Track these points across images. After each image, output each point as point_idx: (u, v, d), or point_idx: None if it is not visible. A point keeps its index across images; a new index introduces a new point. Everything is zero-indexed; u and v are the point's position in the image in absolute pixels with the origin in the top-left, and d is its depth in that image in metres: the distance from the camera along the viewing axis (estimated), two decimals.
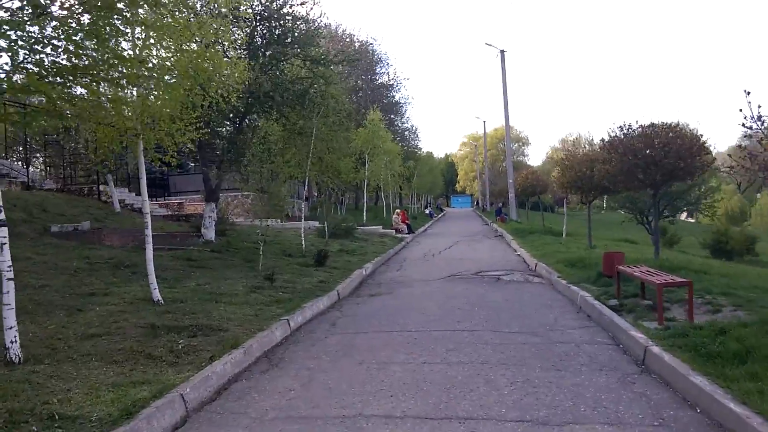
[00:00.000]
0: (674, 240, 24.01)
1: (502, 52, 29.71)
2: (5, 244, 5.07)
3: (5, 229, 5.09)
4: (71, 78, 5.46)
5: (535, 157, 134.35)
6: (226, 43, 11.45)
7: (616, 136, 10.78)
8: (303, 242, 14.88)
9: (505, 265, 13.93)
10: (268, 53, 13.95)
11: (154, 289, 8.06)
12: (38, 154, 21.58)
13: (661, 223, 25.59)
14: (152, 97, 8.00)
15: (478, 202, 79.61)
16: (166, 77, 8.72)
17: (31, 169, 20.36)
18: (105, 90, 6.87)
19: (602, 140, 10.97)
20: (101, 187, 19.45)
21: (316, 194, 44.84)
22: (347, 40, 46.13)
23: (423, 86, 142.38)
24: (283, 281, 10.47)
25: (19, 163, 20.03)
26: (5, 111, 5.88)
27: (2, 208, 5.05)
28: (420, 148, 59.72)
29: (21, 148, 20.59)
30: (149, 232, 8.32)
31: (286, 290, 9.62)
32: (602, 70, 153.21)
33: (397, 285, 11.54)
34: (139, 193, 23.27)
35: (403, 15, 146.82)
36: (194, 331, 6.51)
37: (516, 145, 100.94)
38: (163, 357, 5.58)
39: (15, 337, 5.13)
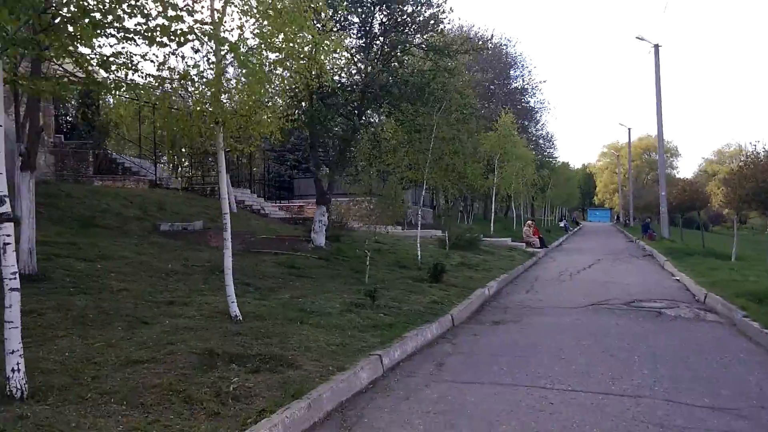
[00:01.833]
0: None
1: (656, 46, 26.16)
2: (9, 244, 3.90)
3: (10, 225, 3.92)
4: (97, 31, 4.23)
5: (685, 170, 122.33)
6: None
7: None
8: (419, 253, 13.24)
9: (663, 294, 11.30)
10: (386, 41, 12.53)
11: (232, 302, 6.80)
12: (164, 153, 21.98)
13: None
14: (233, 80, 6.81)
15: (618, 217, 73.51)
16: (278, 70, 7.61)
17: (161, 167, 20.70)
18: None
19: None
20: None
21: (442, 202, 43.23)
22: (479, 42, 44.11)
23: (560, 90, 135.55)
24: (389, 299, 8.88)
25: (150, 161, 20.41)
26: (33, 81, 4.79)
27: (6, 199, 3.88)
28: (556, 157, 56.01)
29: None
30: (228, 234, 7.09)
31: (389, 311, 8.01)
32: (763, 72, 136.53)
33: (526, 312, 9.51)
34: (261, 195, 23.18)
35: (540, 10, 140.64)
36: (259, 363, 5.08)
37: (659, 159, 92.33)
38: (204, 403, 4.16)
39: (18, 364, 3.96)
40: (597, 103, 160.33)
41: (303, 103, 12.27)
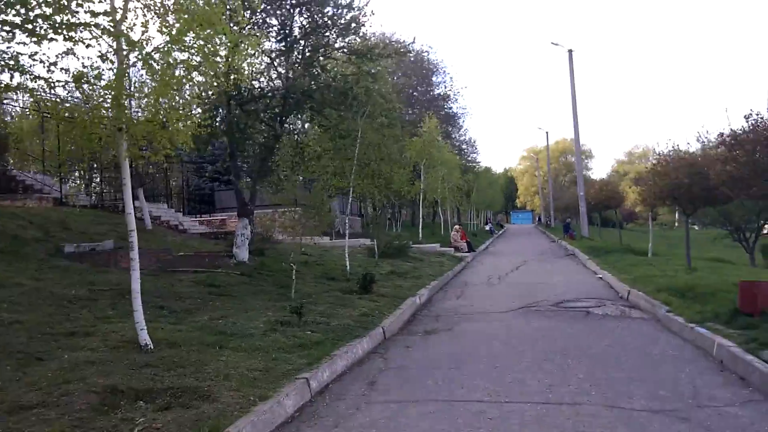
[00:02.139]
0: None
1: (570, 51, 27.15)
2: None
3: None
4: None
5: (599, 170, 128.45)
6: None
7: (740, 129, 8.26)
8: (348, 263, 12.86)
9: (589, 293, 11.46)
10: (307, 45, 12.13)
11: (142, 329, 6.16)
12: (74, 168, 20.54)
13: (763, 240, 22.30)
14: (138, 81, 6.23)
15: (540, 218, 76.01)
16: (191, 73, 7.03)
17: (67, 184, 19.30)
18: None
19: (721, 134, 8.48)
20: (136, 203, 18.10)
21: (370, 210, 43.10)
22: (401, 47, 44.36)
23: (481, 96, 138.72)
24: (317, 314, 8.45)
25: (54, 177, 18.97)
26: None
27: None
28: (479, 162, 57.20)
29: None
30: (135, 254, 6.45)
31: (317, 327, 7.58)
32: (670, 78, 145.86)
33: (458, 318, 9.33)
34: (180, 209, 22.10)
35: (459, 19, 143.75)
36: (170, 399, 4.54)
37: (576, 160, 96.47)
38: None
39: None
40: (516, 108, 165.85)
41: (220, 110, 11.63)
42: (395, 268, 14.82)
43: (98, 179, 19.57)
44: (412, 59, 45.49)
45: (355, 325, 7.93)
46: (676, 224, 75.05)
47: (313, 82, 12.37)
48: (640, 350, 6.48)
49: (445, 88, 47.43)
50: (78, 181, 19.90)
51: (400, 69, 44.23)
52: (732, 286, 9.31)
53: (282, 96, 12.41)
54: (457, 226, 25.41)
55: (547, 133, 59.42)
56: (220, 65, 6.98)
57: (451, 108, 49.62)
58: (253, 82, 12.30)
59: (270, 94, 12.02)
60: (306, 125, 12.84)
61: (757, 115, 8.05)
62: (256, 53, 9.11)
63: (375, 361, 6.62)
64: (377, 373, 5.99)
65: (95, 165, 19.54)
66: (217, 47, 6.61)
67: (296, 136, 10.77)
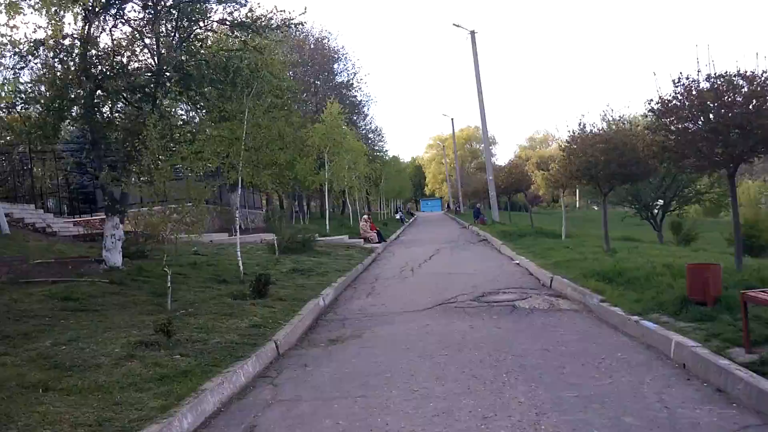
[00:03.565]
0: (691, 236, 21.05)
1: (473, 32, 26.58)
2: None
3: None
4: None
5: (503, 156, 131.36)
6: None
7: (669, 95, 7.47)
8: (240, 263, 11.23)
9: (509, 282, 10.53)
10: (181, 15, 10.33)
11: None
12: None
13: (672, 218, 22.70)
14: None
15: (449, 205, 76.63)
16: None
17: None
18: None
19: (649, 101, 7.66)
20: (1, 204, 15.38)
21: (277, 202, 41.03)
22: (301, 36, 42.47)
23: (385, 83, 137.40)
24: (194, 329, 6.86)
25: None
26: None
27: None
28: (386, 151, 56.36)
29: None
30: None
31: (190, 348, 6.01)
32: (568, 63, 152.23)
33: (367, 321, 8.04)
34: (56, 210, 19.37)
35: (359, 1, 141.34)
36: None
37: (482, 145, 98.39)
38: None
39: None
40: (422, 95, 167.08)
41: (71, 91, 9.63)
42: (298, 264, 13.32)
43: None
44: (311, 45, 43.89)
45: (240, 341, 6.42)
46: (577, 206, 78.28)
47: (187, 57, 10.60)
48: (582, 354, 5.43)
49: (348, 75, 46.04)
50: None
51: (300, 57, 42.41)
52: (664, 269, 8.65)
53: (154, 73, 10.56)
54: (365, 216, 24.20)
55: (452, 119, 59.55)
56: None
57: (355, 96, 48.35)
58: (116, 57, 10.33)
59: (135, 70, 10.11)
60: (179, 105, 11.02)
61: (687, 78, 7.29)
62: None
63: (261, 390, 5.16)
64: (261, 411, 4.54)
65: None
66: None
67: (168, 118, 8.94)
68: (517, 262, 13.47)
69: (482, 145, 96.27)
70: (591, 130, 12.68)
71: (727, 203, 23.05)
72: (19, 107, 10.38)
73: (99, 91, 10.16)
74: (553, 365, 5.11)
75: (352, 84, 46.97)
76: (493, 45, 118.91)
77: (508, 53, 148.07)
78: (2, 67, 10.14)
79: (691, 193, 21.66)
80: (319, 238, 19.12)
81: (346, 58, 47.93)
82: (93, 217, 20.76)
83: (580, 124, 12.85)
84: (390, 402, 4.43)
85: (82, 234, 16.30)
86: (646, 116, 7.75)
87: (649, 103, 7.74)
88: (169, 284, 8.27)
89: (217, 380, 4.93)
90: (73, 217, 19.89)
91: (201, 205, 8.37)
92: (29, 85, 10.08)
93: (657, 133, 7.79)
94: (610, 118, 15.06)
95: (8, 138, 13.92)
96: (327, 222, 24.13)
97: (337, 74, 45.83)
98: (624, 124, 12.48)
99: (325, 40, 44.47)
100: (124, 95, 10.41)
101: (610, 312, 6.81)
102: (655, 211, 22.28)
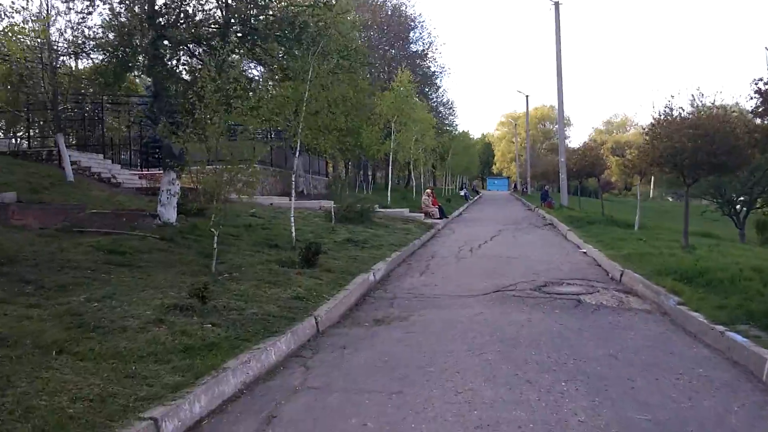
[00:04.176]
0: None
1: (557, 3, 25.03)
2: None
3: None
4: None
5: (577, 139, 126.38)
6: None
7: None
8: (293, 229, 10.89)
9: (573, 272, 9.73)
10: None
11: None
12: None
13: (757, 216, 20.90)
14: None
15: (516, 185, 74.63)
16: None
17: None
18: None
19: (755, 81, 6.65)
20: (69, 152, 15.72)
21: (341, 170, 40.88)
22: (378, 2, 41.62)
23: (459, 55, 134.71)
24: (233, 295, 6.54)
25: None
26: None
27: None
28: (456, 125, 55.09)
29: None
30: None
31: (224, 317, 5.67)
32: (654, 44, 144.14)
33: (417, 303, 7.51)
34: (116, 161, 19.76)
35: None
36: None
37: (556, 126, 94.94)
38: None
39: None
40: (496, 69, 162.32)
41: (135, 39, 9.42)
42: (353, 235, 12.92)
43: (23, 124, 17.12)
44: (389, 12, 42.96)
45: (278, 313, 6.04)
46: (651, 195, 74.44)
47: (257, 12, 10.19)
48: (656, 365, 4.70)
49: (423, 44, 44.89)
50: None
51: (376, 23, 41.64)
52: (752, 272, 7.67)
53: (220, 26, 10.22)
54: (428, 190, 23.52)
55: (527, 96, 57.66)
56: None
57: (428, 67, 47.22)
58: (182, 6, 10.03)
59: (200, 21, 9.78)
60: (242, 61, 10.64)
61: None
62: None
63: (291, 372, 4.74)
64: (284, 399, 4.10)
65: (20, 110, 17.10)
66: None
67: (226, 71, 8.56)
68: (584, 251, 12.56)
69: (556, 126, 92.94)
70: (679, 114, 11.47)
71: None
72: (86, 54, 10.32)
73: (164, 41, 9.94)
74: (622, 376, 4.42)
75: (427, 54, 45.87)
76: (575, 19, 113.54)
77: (589, 29, 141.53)
78: (72, 12, 10.09)
79: None
80: (378, 210, 18.69)
81: (422, 26, 46.88)
82: (159, 171, 21.09)
83: (667, 107, 11.65)
84: (428, 404, 3.89)
85: (145, 187, 16.49)
86: (751, 98, 6.71)
87: (755, 84, 6.74)
88: (215, 246, 7.99)
89: (243, 357, 4.54)
90: (141, 170, 20.24)
91: (253, 166, 7.97)
92: (97, 31, 9.99)
93: (764, 118, 6.77)
94: (700, 104, 13.63)
95: (73, 85, 14.03)
96: (389, 193, 23.64)
97: (412, 43, 44.84)
98: (715, 110, 11.12)
99: (403, 7, 43.45)
100: (188, 46, 10.13)
101: (689, 317, 5.99)
102: (738, 207, 20.52)
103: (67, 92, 14.09)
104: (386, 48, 43.06)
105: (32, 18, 10.53)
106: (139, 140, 23.18)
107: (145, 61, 9.96)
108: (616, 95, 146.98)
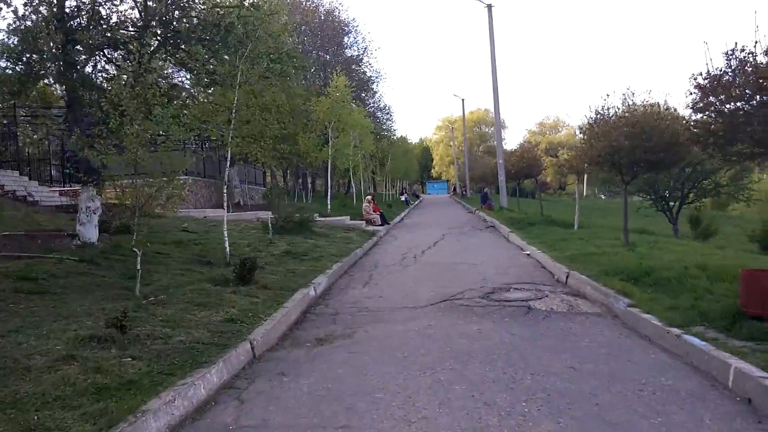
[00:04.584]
0: (710, 231, 19.92)
1: (490, 6, 25.24)
2: None
3: None
4: None
5: (512, 141, 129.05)
6: None
7: (719, 70, 6.39)
8: (227, 244, 10.24)
9: (520, 276, 9.55)
10: None
11: None
12: None
13: (688, 211, 21.59)
14: None
15: (455, 189, 75.48)
16: None
17: None
18: None
19: (695, 76, 6.58)
20: None
21: (280, 179, 39.96)
22: (311, 6, 41.05)
23: (394, 60, 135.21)
24: (159, 322, 5.92)
25: None
26: None
27: None
28: (394, 130, 55.09)
29: None
30: None
31: (147, 348, 5.07)
32: (581, 47, 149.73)
33: (362, 317, 7.08)
34: (35, 178, 18.40)
35: None
36: None
37: (492, 128, 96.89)
38: None
39: None
40: (431, 74, 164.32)
41: (42, 43, 8.60)
42: (292, 247, 12.35)
43: None
44: (321, 17, 42.44)
45: (209, 340, 5.47)
46: (585, 194, 76.72)
47: (179, 12, 9.56)
48: (617, 376, 4.45)
49: (358, 49, 44.63)
50: None
51: (309, 27, 41.07)
52: (697, 270, 7.64)
53: (138, 28, 9.51)
54: (369, 197, 23.17)
55: (463, 100, 58.01)
56: None
57: (364, 72, 46.99)
58: (96, 7, 9.26)
59: (116, 24, 9.07)
60: (165, 65, 9.95)
61: (743, 51, 6.20)
62: None
63: (223, 408, 4.21)
64: None
65: None
66: None
67: (143, 75, 7.86)
68: (528, 252, 12.47)
69: (492, 129, 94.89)
70: (615, 113, 11.54)
71: (742, 197, 21.95)
72: None
73: (76, 46, 9.14)
74: (583, 391, 4.13)
75: (362, 59, 45.63)
76: (507, 21, 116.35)
77: (519, 33, 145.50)
78: None
79: (711, 185, 20.50)
80: (318, 219, 18.17)
81: (356, 31, 46.60)
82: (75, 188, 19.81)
83: (603, 107, 11.71)
84: None
85: (66, 205, 15.34)
86: (691, 93, 6.66)
87: (694, 78, 6.67)
88: (138, 267, 7.31)
89: (167, 396, 3.98)
90: (61, 186, 18.94)
91: (177, 178, 7.34)
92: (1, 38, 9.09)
93: (703, 114, 6.73)
94: (631, 102, 13.76)
95: None
96: (329, 201, 23.13)
97: (346, 48, 44.45)
98: (649, 107, 11.25)
99: (336, 12, 43.02)
100: (104, 51, 9.37)
101: (642, 320, 5.83)
102: (671, 203, 21.17)
103: None
104: (320, 53, 42.55)
105: None
106: (61, 154, 21.75)
107: (55, 68, 9.13)
108: (547, 97, 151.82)
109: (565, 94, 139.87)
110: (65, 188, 18.07)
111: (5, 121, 17.23)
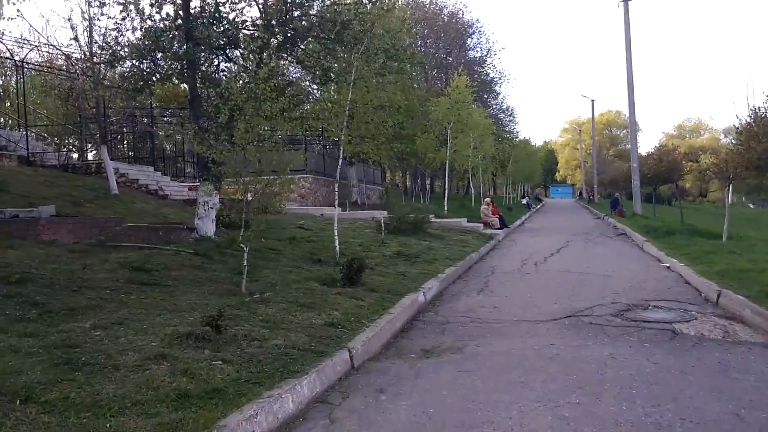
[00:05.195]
0: None
1: (626, 1, 23.33)
2: None
3: None
4: None
5: (646, 145, 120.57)
6: None
7: None
8: (337, 243, 9.97)
9: (659, 292, 8.36)
10: None
11: None
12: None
13: None
14: None
15: (581, 193, 71.74)
16: None
17: (35, 140, 16.91)
18: None
19: None
20: (114, 164, 15.46)
21: (398, 179, 40.04)
22: (435, 8, 40.59)
23: (520, 61, 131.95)
24: (259, 321, 5.66)
25: (20, 132, 16.58)
26: None
27: None
28: (517, 132, 53.32)
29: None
30: None
31: (242, 349, 4.78)
32: (728, 44, 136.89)
33: (473, 329, 6.41)
34: (166, 173, 19.52)
35: None
36: None
37: (623, 131, 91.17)
38: None
39: None
40: (559, 75, 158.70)
41: (165, 42, 8.79)
42: (405, 248, 11.89)
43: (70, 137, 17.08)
44: (445, 19, 41.85)
45: (306, 345, 5.07)
46: (729, 201, 69.90)
47: (299, 13, 9.41)
48: None
49: (481, 51, 43.53)
50: (51, 138, 17.47)
51: (432, 30, 40.67)
52: None
53: (258, 27, 9.49)
54: (488, 199, 22.25)
55: (592, 101, 55.00)
56: None
57: (487, 74, 45.81)
58: (219, 6, 9.34)
59: (236, 23, 9.07)
60: (284, 64, 9.84)
61: None
62: None
63: (310, 428, 3.76)
64: None
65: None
66: None
67: (255, 72, 7.74)
68: (668, 265, 11.07)
69: (623, 131, 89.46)
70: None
71: None
72: (120, 61, 9.80)
73: (199, 45, 9.29)
74: None
75: (485, 60, 44.56)
76: (640, 20, 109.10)
77: (656, 30, 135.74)
78: (105, 17, 9.60)
79: None
80: (434, 220, 17.63)
81: (480, 31, 45.56)
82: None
83: (766, 101, 10.08)
84: None
85: (193, 199, 16.02)
86: None
87: None
88: (245, 263, 7.18)
89: (249, 410, 3.58)
90: (189, 181, 19.97)
91: (284, 175, 7.09)
92: (129, 37, 9.45)
93: None
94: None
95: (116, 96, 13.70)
96: (445, 203, 22.50)
97: (470, 49, 43.64)
98: None
99: (460, 13, 42.26)
100: (225, 51, 9.44)
101: None
102: None
103: (106, 104, 13.80)
104: (443, 56, 42.03)
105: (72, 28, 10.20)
106: (176, 151, 23.01)
107: (178, 67, 9.32)
108: (687, 99, 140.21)
109: (707, 95, 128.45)
110: (193, 183, 19.01)
111: (144, 119, 18.45)
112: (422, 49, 36.80)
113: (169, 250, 8.96)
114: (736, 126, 10.57)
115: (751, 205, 72.79)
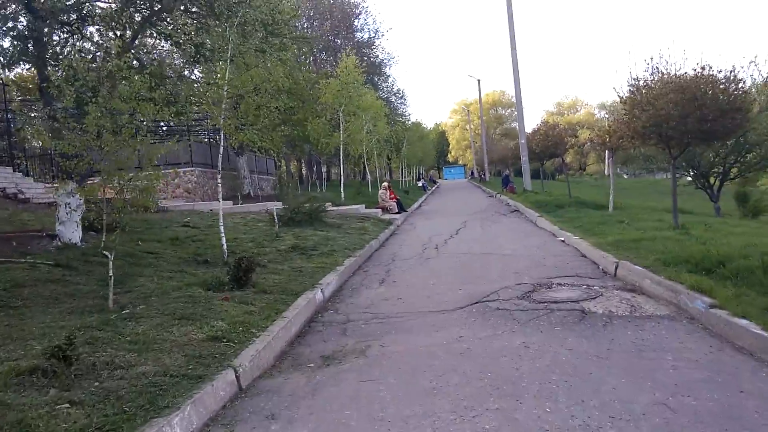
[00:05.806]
0: (759, 208, 18.26)
1: None
2: None
3: None
4: None
5: (529, 122, 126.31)
6: None
7: None
8: (224, 241, 9.07)
9: (560, 267, 8.25)
10: None
11: None
12: None
13: (734, 186, 20.02)
14: None
15: (473, 173, 73.84)
16: None
17: None
18: None
19: None
20: None
21: (293, 169, 38.84)
22: None
23: (407, 43, 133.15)
24: (125, 343, 4.77)
25: None
26: None
27: None
28: (408, 115, 53.69)
29: None
30: None
31: (98, 385, 3.91)
32: (598, 25, 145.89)
33: (377, 327, 5.86)
34: (30, 174, 17.42)
35: None
36: None
37: (509, 110, 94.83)
38: None
39: None
40: (445, 57, 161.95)
41: (3, 18, 7.45)
42: (300, 240, 11.17)
43: None
44: (331, 1, 41.02)
45: (181, 369, 4.28)
46: (612, 173, 74.80)
47: None
48: (735, 417, 3.18)
49: (369, 32, 43.21)
50: None
51: (318, 12, 39.78)
52: None
53: (121, 2, 8.30)
54: (385, 183, 21.89)
55: (479, 80, 56.25)
56: None
57: (377, 56, 45.61)
58: None
59: None
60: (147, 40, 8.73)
61: None
62: None
63: None
64: None
65: None
66: None
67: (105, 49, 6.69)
68: (563, 239, 11.15)
69: (508, 111, 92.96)
70: (661, 77, 10.11)
71: None
72: None
73: (45, 21, 7.97)
74: None
75: (373, 42, 44.28)
76: (518, 3, 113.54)
77: (531, 13, 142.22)
78: None
79: (756, 159, 18.83)
80: (331, 208, 17.00)
81: (366, 12, 45.09)
82: (92, 183, 18.78)
83: (647, 69, 10.29)
84: None
85: None
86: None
87: None
88: (110, 274, 6.18)
89: None
90: (53, 181, 17.96)
91: (149, 169, 6.15)
92: None
93: None
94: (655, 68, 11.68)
95: None
96: (342, 191, 21.91)
97: (357, 30, 43.08)
98: (700, 69, 9.80)
99: None
100: (74, 27, 8.18)
101: (736, 327, 4.52)
102: (712, 179, 19.59)
103: None
104: (331, 38, 41.25)
105: None
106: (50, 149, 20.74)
107: (20, 46, 7.98)
108: (564, 78, 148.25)
109: (581, 74, 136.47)
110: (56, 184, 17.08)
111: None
112: (309, 31, 35.81)
113: (24, 262, 7.68)
114: (621, 96, 10.71)
115: (625, 176, 78.21)
